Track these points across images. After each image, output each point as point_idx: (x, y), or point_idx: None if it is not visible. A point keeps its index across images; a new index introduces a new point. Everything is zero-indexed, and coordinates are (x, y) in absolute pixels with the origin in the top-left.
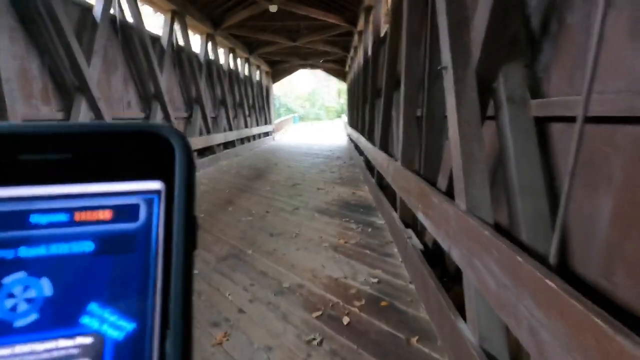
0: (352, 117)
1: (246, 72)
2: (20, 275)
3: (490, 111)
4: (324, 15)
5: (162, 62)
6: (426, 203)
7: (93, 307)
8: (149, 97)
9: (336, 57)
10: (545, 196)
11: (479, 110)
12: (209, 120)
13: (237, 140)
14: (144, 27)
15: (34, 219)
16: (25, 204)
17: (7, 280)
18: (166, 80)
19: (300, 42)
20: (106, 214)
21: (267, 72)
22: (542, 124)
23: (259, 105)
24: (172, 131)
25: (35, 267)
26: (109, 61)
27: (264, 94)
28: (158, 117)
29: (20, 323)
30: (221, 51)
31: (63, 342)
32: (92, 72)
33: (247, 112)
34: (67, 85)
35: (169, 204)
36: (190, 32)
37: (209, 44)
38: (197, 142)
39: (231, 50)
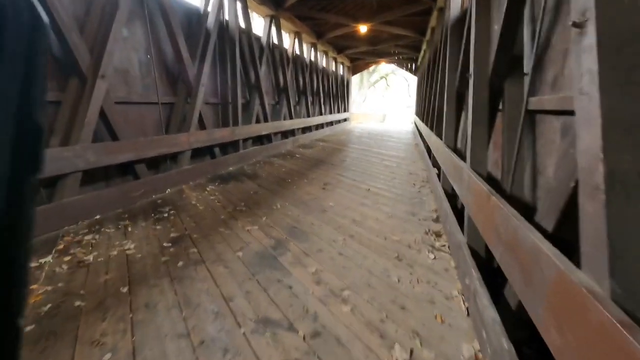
0: (418, 105)
1: (326, 64)
2: None
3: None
4: None
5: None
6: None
7: None
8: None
9: (409, 41)
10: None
11: (488, 106)
12: (292, 108)
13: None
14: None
15: None
16: None
17: None
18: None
19: (370, 23)
20: None
21: (348, 67)
22: (533, 115)
23: (339, 94)
24: None
25: None
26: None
27: (344, 85)
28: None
29: None
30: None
31: None
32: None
33: (322, 101)
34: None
35: None
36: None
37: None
38: (305, 122)
39: (296, 34)
